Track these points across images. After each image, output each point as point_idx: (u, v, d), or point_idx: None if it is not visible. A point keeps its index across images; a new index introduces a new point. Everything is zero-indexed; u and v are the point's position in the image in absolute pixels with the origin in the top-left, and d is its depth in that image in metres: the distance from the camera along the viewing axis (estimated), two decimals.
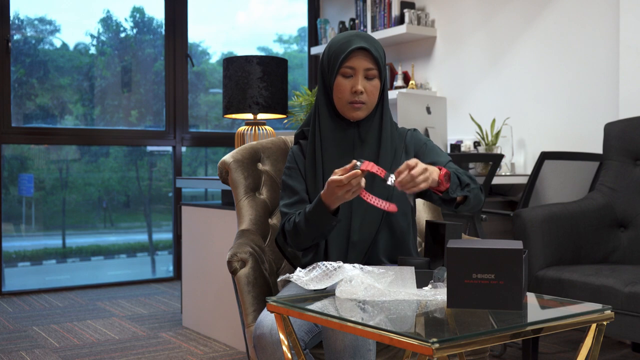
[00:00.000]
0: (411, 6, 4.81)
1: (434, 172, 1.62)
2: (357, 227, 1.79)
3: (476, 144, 4.01)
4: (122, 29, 5.04)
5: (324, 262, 1.48)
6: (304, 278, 1.45)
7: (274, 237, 2.10)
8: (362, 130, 1.84)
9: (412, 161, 1.56)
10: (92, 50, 4.96)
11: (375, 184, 1.79)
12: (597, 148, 3.44)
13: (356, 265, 1.48)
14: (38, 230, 4.83)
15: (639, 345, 2.99)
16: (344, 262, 1.78)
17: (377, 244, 1.82)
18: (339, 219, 1.69)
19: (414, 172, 1.54)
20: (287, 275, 1.55)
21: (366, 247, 1.81)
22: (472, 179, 1.75)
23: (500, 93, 4.29)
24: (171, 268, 5.16)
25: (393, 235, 1.84)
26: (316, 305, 1.38)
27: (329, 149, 1.84)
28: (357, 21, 5.11)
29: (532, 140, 4.07)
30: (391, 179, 1.54)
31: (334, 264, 1.48)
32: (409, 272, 1.47)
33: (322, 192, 1.65)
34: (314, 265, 1.49)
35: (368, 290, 1.42)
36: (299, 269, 1.52)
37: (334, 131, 1.84)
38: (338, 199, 1.61)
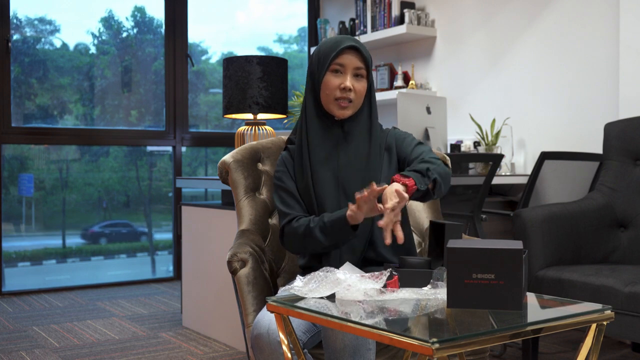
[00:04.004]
0: (411, 6, 4.81)
1: (393, 187, 1.61)
2: None
3: (476, 144, 4.01)
4: (123, 28, 5.04)
5: (319, 272, 1.49)
6: (303, 289, 1.47)
7: (274, 237, 2.11)
8: (346, 129, 1.88)
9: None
10: (92, 50, 4.96)
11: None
12: (597, 148, 3.44)
13: (345, 271, 1.50)
14: (38, 230, 4.83)
15: (639, 345, 2.99)
16: (340, 255, 1.82)
17: (374, 234, 1.83)
18: (356, 233, 1.73)
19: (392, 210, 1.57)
20: (287, 286, 1.59)
21: (363, 238, 1.82)
22: (429, 162, 1.75)
23: (500, 93, 4.29)
24: (171, 268, 5.16)
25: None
26: (316, 305, 1.38)
27: (315, 148, 1.87)
28: (357, 21, 5.11)
29: (532, 140, 4.07)
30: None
31: (328, 269, 1.49)
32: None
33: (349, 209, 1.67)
34: (312, 275, 1.50)
35: (367, 293, 1.43)
36: (298, 277, 1.53)
37: (320, 128, 1.88)
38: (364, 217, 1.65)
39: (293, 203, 1.86)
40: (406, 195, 1.59)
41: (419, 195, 1.69)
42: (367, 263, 1.86)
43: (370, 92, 1.90)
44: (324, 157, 1.86)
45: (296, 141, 1.91)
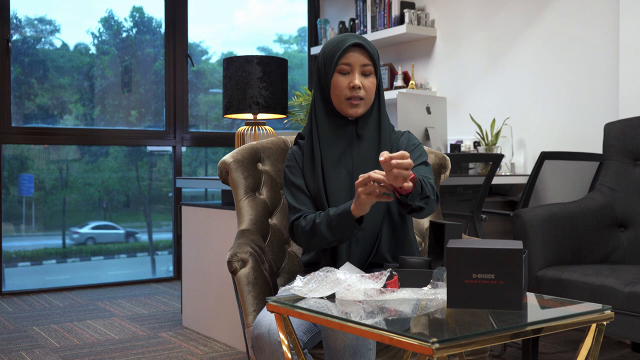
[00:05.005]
0: (411, 6, 4.81)
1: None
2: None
3: (476, 144, 4.01)
4: (123, 28, 5.04)
5: (319, 272, 1.49)
6: (303, 289, 1.47)
7: (274, 237, 2.11)
8: (360, 127, 1.87)
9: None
10: (92, 50, 4.96)
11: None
12: (597, 148, 3.44)
13: (345, 271, 1.50)
14: (38, 230, 4.83)
15: (639, 345, 2.99)
16: (349, 258, 1.81)
17: (381, 240, 1.83)
18: (361, 227, 1.71)
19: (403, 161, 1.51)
20: (287, 286, 1.59)
21: (370, 243, 1.82)
22: (433, 190, 1.74)
23: (500, 93, 4.29)
24: (171, 268, 5.16)
25: (394, 231, 1.85)
26: (316, 305, 1.38)
27: (327, 147, 1.86)
28: (357, 21, 5.11)
29: (532, 140, 4.07)
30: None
31: (328, 269, 1.49)
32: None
33: (354, 200, 1.66)
34: (312, 275, 1.50)
35: (367, 292, 1.43)
36: (298, 277, 1.53)
37: (332, 129, 1.87)
38: (362, 204, 1.63)
39: (304, 198, 1.86)
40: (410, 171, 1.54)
41: (402, 199, 1.66)
42: (370, 265, 1.86)
43: (379, 88, 1.88)
44: (337, 156, 1.85)
45: (306, 142, 1.90)
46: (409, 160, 1.50)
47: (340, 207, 1.72)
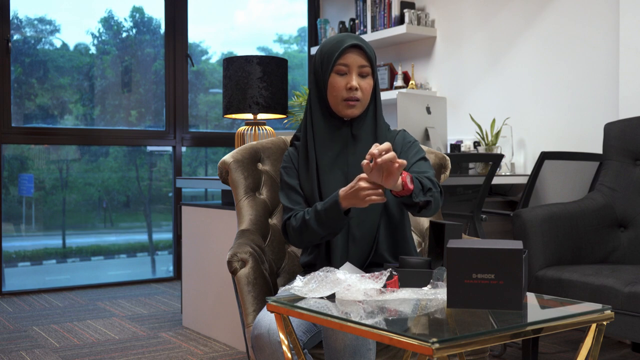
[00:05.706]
0: (411, 6, 4.81)
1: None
2: (356, 224, 1.80)
3: (476, 144, 4.01)
4: (123, 28, 5.04)
5: (319, 272, 1.49)
6: (303, 289, 1.47)
7: (274, 237, 2.11)
8: (355, 128, 1.87)
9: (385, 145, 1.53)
10: (92, 50, 4.96)
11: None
12: (597, 148, 3.44)
13: (345, 271, 1.50)
14: (38, 230, 4.83)
15: (639, 345, 2.99)
16: (347, 258, 1.81)
17: (379, 239, 1.83)
18: (350, 217, 1.70)
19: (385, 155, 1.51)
20: (287, 286, 1.59)
21: (368, 243, 1.81)
22: (433, 183, 1.73)
23: (500, 93, 4.29)
24: (171, 268, 5.16)
25: (392, 230, 1.85)
26: (316, 305, 1.38)
27: (322, 148, 1.86)
28: (357, 21, 5.11)
29: (532, 140, 4.07)
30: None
31: (328, 269, 1.49)
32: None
33: (341, 190, 1.66)
34: (312, 275, 1.50)
35: (367, 292, 1.43)
36: (298, 278, 1.53)
37: (327, 130, 1.87)
38: (354, 201, 1.63)
39: (297, 198, 1.86)
40: (398, 160, 1.53)
41: (407, 201, 1.66)
42: (369, 264, 1.86)
43: (375, 89, 1.88)
44: (333, 158, 1.85)
45: (301, 142, 1.90)
46: (385, 144, 1.50)
47: (328, 199, 1.71)
